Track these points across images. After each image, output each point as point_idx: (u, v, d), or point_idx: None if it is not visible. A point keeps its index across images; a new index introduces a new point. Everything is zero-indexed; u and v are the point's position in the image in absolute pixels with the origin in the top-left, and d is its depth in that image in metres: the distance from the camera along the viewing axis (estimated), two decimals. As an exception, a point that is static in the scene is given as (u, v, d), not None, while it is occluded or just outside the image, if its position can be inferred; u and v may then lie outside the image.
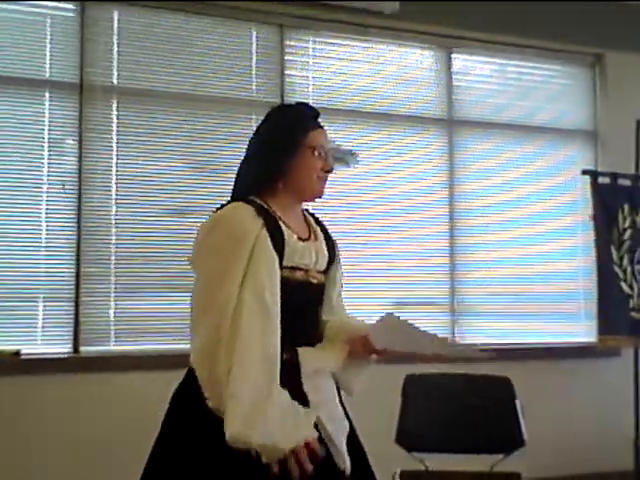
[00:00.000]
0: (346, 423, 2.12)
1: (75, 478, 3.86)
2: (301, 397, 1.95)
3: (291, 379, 1.95)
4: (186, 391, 2.07)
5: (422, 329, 2.04)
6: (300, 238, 2.11)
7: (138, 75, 4.30)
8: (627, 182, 4.78)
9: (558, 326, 5.05)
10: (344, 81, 4.68)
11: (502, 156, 5.08)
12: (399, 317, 2.06)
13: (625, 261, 4.70)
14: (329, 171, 2.18)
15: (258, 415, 1.77)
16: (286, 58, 4.60)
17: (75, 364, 4.03)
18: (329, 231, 2.30)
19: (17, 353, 3.90)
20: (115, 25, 4.27)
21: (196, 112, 4.39)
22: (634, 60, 5.29)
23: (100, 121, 4.21)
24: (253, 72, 4.53)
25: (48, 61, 4.16)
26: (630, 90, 5.26)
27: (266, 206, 2.08)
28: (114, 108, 4.24)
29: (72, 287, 4.09)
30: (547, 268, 5.07)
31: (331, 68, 4.69)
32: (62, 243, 4.10)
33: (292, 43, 4.63)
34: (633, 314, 4.67)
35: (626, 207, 4.74)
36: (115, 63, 4.26)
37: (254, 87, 4.53)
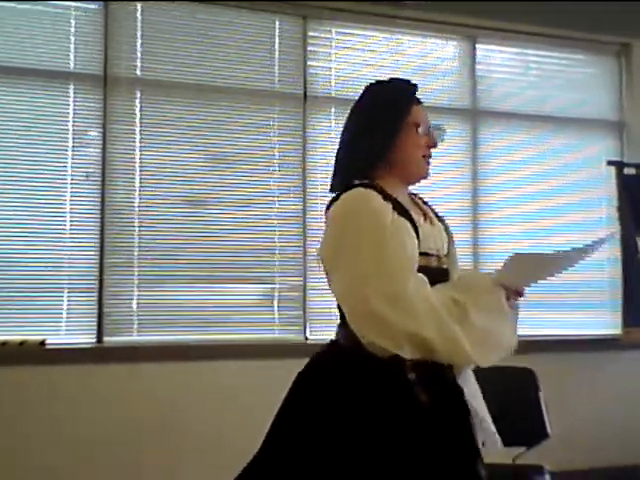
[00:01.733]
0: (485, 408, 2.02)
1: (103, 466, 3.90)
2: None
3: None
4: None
5: (550, 254, 1.97)
6: (428, 222, 2.03)
7: (161, 67, 4.31)
8: (653, 173, 4.73)
9: (583, 317, 5.00)
10: (367, 72, 4.66)
11: (526, 147, 5.03)
12: (525, 254, 1.98)
13: (650, 252, 4.66)
14: (434, 146, 2.08)
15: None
16: (309, 49, 4.59)
17: (99, 354, 4.06)
18: (437, 211, 2.19)
19: (42, 343, 3.94)
20: (139, 17, 4.29)
21: (218, 103, 4.40)
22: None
23: (123, 112, 4.23)
24: (276, 63, 4.53)
25: (73, 54, 4.18)
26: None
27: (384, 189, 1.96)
28: (137, 99, 4.26)
29: (96, 277, 4.12)
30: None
31: (354, 59, 4.68)
32: (86, 234, 4.13)
33: (315, 34, 4.62)
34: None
35: (652, 198, 4.70)
36: (138, 55, 4.28)
37: (276, 78, 4.52)
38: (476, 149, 4.89)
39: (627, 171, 4.70)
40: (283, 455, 1.93)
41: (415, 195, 2.17)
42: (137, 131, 4.25)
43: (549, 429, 3.19)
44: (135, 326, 4.17)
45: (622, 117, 5.28)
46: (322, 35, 4.64)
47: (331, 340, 2.06)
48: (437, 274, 1.97)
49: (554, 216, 5.01)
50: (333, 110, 4.60)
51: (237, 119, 4.42)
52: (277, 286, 4.42)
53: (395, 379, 1.82)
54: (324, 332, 4.41)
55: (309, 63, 4.57)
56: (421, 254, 1.92)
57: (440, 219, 2.14)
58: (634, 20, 4.88)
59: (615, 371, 4.92)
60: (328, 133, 4.57)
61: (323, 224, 2.02)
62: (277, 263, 4.42)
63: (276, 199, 4.45)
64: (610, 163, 4.76)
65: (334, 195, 2.01)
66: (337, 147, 2.11)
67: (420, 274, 1.87)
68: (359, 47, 4.71)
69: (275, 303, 4.41)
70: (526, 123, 5.04)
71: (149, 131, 4.27)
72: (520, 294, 1.99)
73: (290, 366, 4.52)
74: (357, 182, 1.98)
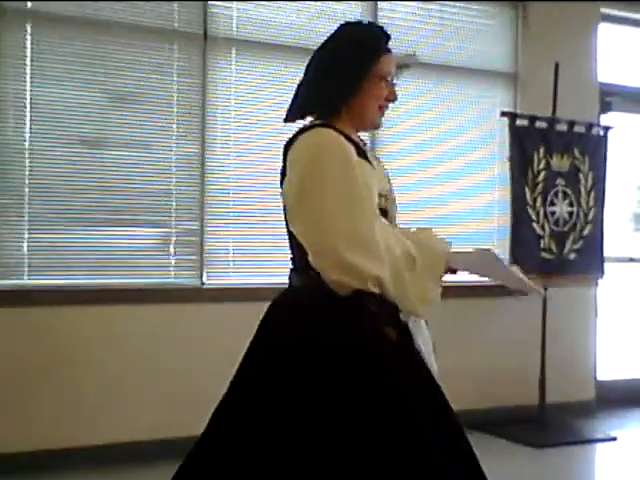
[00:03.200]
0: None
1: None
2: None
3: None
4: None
5: (511, 268, 2.10)
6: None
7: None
8: (543, 125, 4.88)
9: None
10: (269, 14, 4.58)
11: (421, 97, 5.08)
12: (496, 257, 2.05)
13: (538, 203, 4.83)
14: (393, 100, 2.09)
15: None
16: (209, -12, 4.48)
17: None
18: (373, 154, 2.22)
19: None
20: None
21: (115, 40, 4.24)
22: (556, 3, 5.33)
23: (13, 47, 4.04)
24: (176, 1, 4.39)
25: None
26: (550, 33, 5.32)
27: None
28: (28, 34, 4.07)
29: (-16, 219, 3.98)
30: (462, 206, 5.15)
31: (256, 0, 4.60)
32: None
33: (215, -28, 4.50)
34: (544, 254, 4.83)
35: (542, 149, 4.86)
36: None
37: (176, 16, 4.39)
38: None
39: (519, 122, 4.83)
40: (255, 402, 1.92)
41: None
42: (28, 67, 4.07)
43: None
44: (26, 269, 4.05)
45: (516, 69, 5.40)
46: (223, -26, 4.53)
47: (287, 287, 2.08)
48: (384, 214, 2.04)
49: (448, 162, 5.10)
50: (234, 52, 4.52)
51: (135, 58, 4.28)
52: (174, 230, 4.37)
53: (360, 314, 1.90)
54: (221, 277, 4.42)
55: (210, 2, 4.45)
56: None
57: (379, 161, 2.20)
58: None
59: (500, 316, 5.10)
60: (229, 75, 4.49)
61: (279, 163, 2.04)
62: (174, 206, 4.37)
63: (174, 141, 4.37)
64: (503, 114, 4.87)
65: (292, 135, 2.02)
66: (300, 79, 2.11)
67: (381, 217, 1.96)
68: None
69: (171, 247, 4.37)
70: (422, 72, 5.04)
71: (41, 67, 4.09)
72: (454, 272, 2.08)
73: (186, 311, 4.55)
74: (316, 122, 2.01)
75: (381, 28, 2.14)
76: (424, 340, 2.04)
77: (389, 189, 2.13)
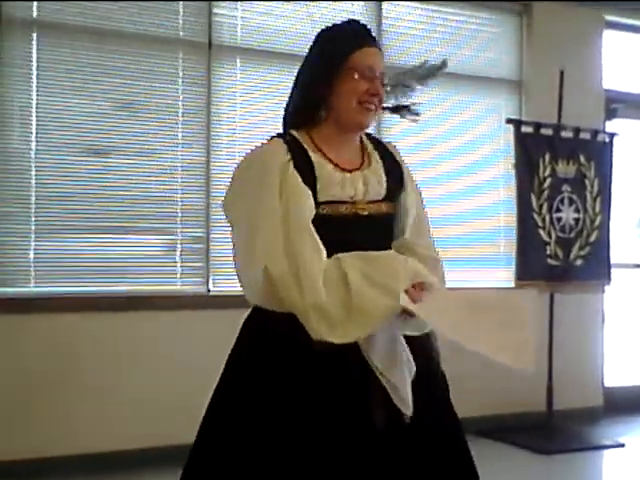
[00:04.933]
0: (412, 364, 1.90)
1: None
2: None
3: None
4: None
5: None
6: (343, 169, 1.93)
7: (60, 8, 4.13)
8: (549, 131, 4.88)
9: (478, 271, 5.15)
10: (273, 22, 4.59)
11: (428, 104, 5.06)
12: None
13: (544, 209, 4.83)
14: (375, 95, 1.94)
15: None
16: (214, -4, 4.49)
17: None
18: (398, 154, 2.10)
19: None
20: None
21: (121, 49, 4.26)
22: (560, 10, 5.34)
23: (19, 55, 4.05)
24: (180, 10, 4.40)
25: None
26: (555, 40, 5.32)
27: (302, 139, 1.93)
28: (34, 42, 4.09)
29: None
30: (468, 206, 5.13)
31: (260, 8, 4.59)
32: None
33: (220, -19, 4.52)
34: (550, 261, 4.82)
35: (547, 156, 4.86)
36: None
37: (181, 25, 4.41)
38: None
39: (524, 129, 4.82)
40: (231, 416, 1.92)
41: (370, 137, 2.09)
42: (34, 76, 4.09)
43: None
44: (32, 277, 4.06)
45: (522, 76, 5.41)
46: (228, -18, 4.54)
47: None
48: (350, 221, 1.92)
49: (453, 160, 5.09)
50: (238, 60, 4.54)
51: (141, 66, 4.30)
52: (179, 237, 4.38)
53: (296, 330, 1.80)
54: (227, 284, 4.42)
55: (214, 11, 4.47)
56: (325, 202, 1.88)
57: (394, 162, 2.06)
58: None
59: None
60: (233, 83, 4.51)
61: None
62: (179, 214, 4.37)
63: (179, 149, 4.38)
64: (509, 121, 4.87)
65: None
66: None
67: (315, 239, 1.83)
68: (264, -4, 4.64)
69: (177, 255, 4.37)
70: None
71: (47, 76, 4.11)
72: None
73: (192, 318, 4.55)
74: (276, 133, 1.98)
75: (357, 22, 2.03)
76: (388, 356, 1.85)
77: (369, 192, 1.96)
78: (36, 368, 3.93)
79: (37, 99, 4.09)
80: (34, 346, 3.94)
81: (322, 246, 1.82)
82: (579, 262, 4.93)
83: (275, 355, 1.87)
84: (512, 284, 4.76)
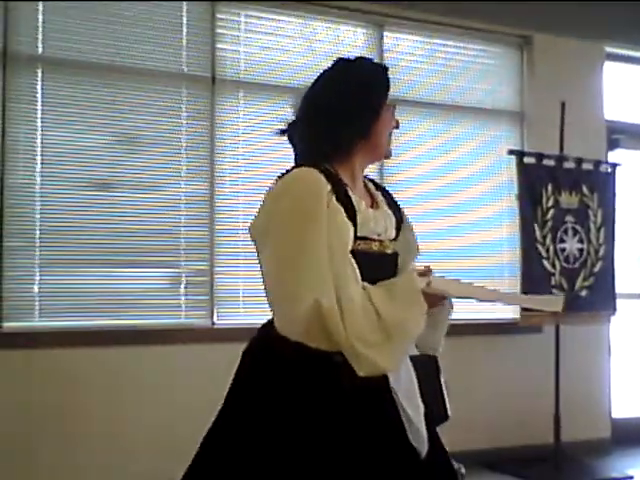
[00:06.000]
0: (421, 404, 1.99)
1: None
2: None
3: None
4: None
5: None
6: (371, 206, 2.01)
7: (65, 45, 4.18)
8: (551, 162, 4.89)
9: (482, 306, 5.09)
10: (276, 57, 4.65)
11: (429, 136, 5.10)
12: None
13: (548, 240, 4.82)
14: (397, 127, 2.11)
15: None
16: (217, 31, 4.53)
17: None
18: (392, 195, 2.17)
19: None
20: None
21: (125, 84, 4.30)
22: (561, 42, 5.39)
23: (24, 91, 4.09)
24: (184, 45, 4.45)
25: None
26: (556, 72, 5.36)
27: (334, 172, 1.94)
28: (39, 78, 4.13)
29: (-5, 261, 3.99)
30: (471, 241, 5.14)
31: (263, 43, 4.65)
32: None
33: (223, 17, 4.56)
34: (555, 291, 4.80)
35: (550, 187, 4.86)
36: (40, 32, 4.13)
37: (184, 60, 4.45)
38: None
39: (527, 160, 4.84)
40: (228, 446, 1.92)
41: (367, 178, 2.15)
42: (39, 111, 4.12)
43: (450, 412, 3.26)
44: (36, 311, 4.06)
45: (523, 107, 5.44)
46: (231, 18, 4.59)
47: (263, 324, 1.98)
48: (378, 258, 1.97)
49: (455, 193, 5.10)
50: (241, 94, 4.57)
51: (144, 101, 4.34)
52: (183, 270, 4.38)
53: (322, 364, 1.82)
54: (231, 317, 4.41)
55: (217, 46, 4.52)
56: (361, 238, 1.91)
57: (394, 205, 2.12)
58: (536, 13, 5.02)
59: (512, 354, 5.08)
60: (236, 117, 4.54)
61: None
62: (183, 247, 4.38)
63: (183, 183, 4.40)
64: (511, 152, 4.89)
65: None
66: (300, 121, 2.04)
67: (354, 273, 1.85)
68: (268, 31, 4.68)
69: (182, 288, 4.37)
70: (431, 112, 5.11)
71: (52, 111, 4.14)
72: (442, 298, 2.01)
73: (197, 351, 4.53)
74: (300, 163, 1.96)
75: (380, 64, 2.14)
76: (406, 392, 1.94)
77: (391, 231, 2.04)
78: (40, 403, 3.91)
79: (42, 134, 4.12)
80: (38, 381, 3.93)
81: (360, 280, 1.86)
82: (584, 292, 4.92)
83: (289, 389, 1.86)
84: (517, 316, 4.74)
